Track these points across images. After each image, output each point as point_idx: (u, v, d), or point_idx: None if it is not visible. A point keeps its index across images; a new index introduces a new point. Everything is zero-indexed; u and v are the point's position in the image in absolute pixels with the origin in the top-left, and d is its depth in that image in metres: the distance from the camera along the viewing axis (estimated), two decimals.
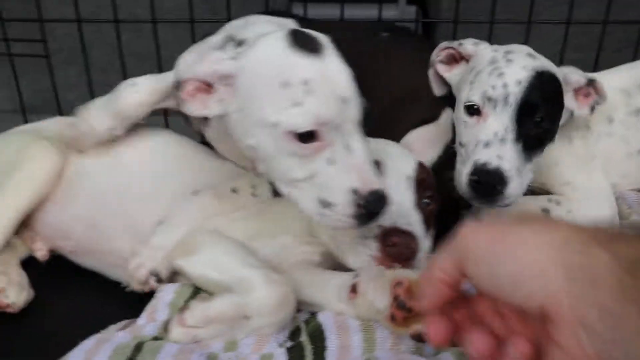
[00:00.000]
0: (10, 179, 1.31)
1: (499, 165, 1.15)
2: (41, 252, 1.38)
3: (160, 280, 1.21)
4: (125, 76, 1.77)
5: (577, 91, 1.32)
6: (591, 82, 1.32)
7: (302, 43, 1.00)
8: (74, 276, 1.36)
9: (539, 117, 1.21)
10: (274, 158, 1.02)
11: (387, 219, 1.07)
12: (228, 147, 1.30)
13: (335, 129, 0.98)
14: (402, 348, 1.00)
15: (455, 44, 1.34)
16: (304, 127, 0.97)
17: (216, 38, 1.13)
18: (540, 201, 1.39)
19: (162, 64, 1.81)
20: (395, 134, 1.36)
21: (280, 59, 1.00)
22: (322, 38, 1.04)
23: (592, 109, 1.33)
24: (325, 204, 0.98)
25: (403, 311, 0.95)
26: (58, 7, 1.86)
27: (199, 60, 1.05)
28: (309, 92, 0.97)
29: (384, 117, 1.32)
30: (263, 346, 1.02)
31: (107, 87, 1.85)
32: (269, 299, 1.03)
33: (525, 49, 1.29)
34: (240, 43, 1.06)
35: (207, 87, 1.04)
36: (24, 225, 1.37)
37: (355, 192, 0.97)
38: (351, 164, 0.98)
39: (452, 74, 1.35)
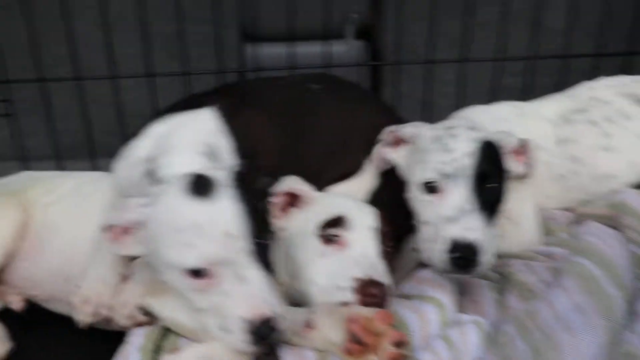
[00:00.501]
0: None
1: (475, 238, 1.25)
2: (16, 304, 1.45)
3: (146, 314, 1.29)
4: (87, 122, 1.87)
5: (513, 152, 1.45)
6: (523, 143, 1.45)
7: (198, 188, 1.13)
8: (51, 323, 1.44)
9: (494, 183, 1.33)
10: (181, 293, 1.15)
11: (360, 270, 1.20)
12: None
13: (226, 263, 1.09)
14: None
15: (396, 129, 1.46)
16: (194, 266, 1.09)
17: (138, 155, 1.34)
18: None
19: (121, 108, 1.91)
20: (322, 185, 1.47)
21: (176, 207, 1.13)
22: (219, 179, 1.16)
23: (528, 165, 1.46)
24: (225, 330, 1.09)
25: (358, 345, 1.07)
26: (20, 60, 1.94)
27: (120, 208, 1.19)
28: (199, 235, 1.09)
29: (318, 168, 1.45)
30: None
31: (68, 133, 1.96)
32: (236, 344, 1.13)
33: (464, 122, 1.42)
34: (156, 180, 1.24)
35: (127, 230, 1.19)
36: None
37: (246, 321, 1.07)
38: (244, 295, 1.09)
39: (397, 155, 1.47)
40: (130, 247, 1.20)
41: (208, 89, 1.64)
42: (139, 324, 1.29)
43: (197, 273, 1.10)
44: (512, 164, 1.44)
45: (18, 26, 1.89)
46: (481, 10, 2.08)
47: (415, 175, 1.39)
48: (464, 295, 1.36)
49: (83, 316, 1.31)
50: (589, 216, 1.53)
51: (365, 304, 1.16)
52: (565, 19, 2.02)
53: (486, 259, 1.27)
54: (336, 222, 1.27)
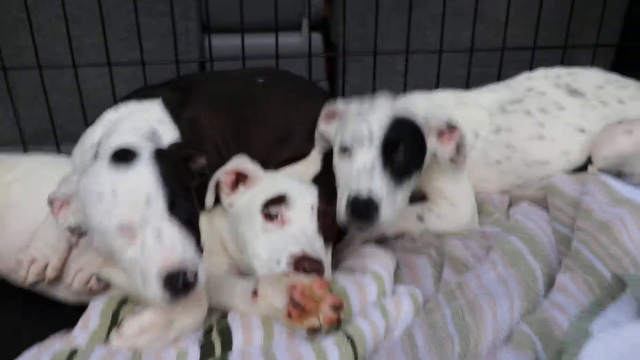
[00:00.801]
0: None
1: (373, 195, 1.37)
2: None
3: (99, 280, 1.40)
4: (50, 110, 1.95)
5: (441, 134, 1.56)
6: (451, 126, 1.56)
7: (120, 160, 1.22)
8: (15, 295, 1.52)
9: (401, 150, 1.44)
10: (107, 254, 1.25)
11: (296, 245, 1.31)
12: None
13: (144, 224, 1.17)
14: (296, 338, 1.22)
15: (331, 105, 1.59)
16: (114, 230, 1.18)
17: (91, 140, 1.48)
18: (416, 209, 1.65)
19: (83, 97, 2.00)
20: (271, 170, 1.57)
21: (98, 176, 1.22)
22: (142, 151, 1.25)
23: (459, 148, 1.56)
24: (145, 286, 1.16)
25: (298, 309, 1.18)
26: None
27: (63, 183, 1.30)
28: (116, 201, 1.18)
29: (263, 158, 1.54)
30: (179, 343, 1.23)
31: (33, 120, 2.03)
32: (187, 302, 1.23)
33: (389, 100, 1.54)
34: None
35: (66, 202, 1.28)
36: None
37: (160, 273, 1.14)
38: (158, 249, 1.16)
39: (328, 128, 1.60)
40: (69, 218, 1.28)
41: (162, 81, 1.73)
42: (94, 292, 1.40)
43: (115, 233, 1.19)
44: (436, 145, 1.56)
45: None
46: (433, 4, 2.19)
47: (336, 143, 1.51)
48: (403, 269, 1.48)
49: (28, 274, 1.41)
50: (523, 198, 1.66)
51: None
52: (507, 12, 2.14)
53: (385, 215, 1.38)
54: (278, 200, 1.39)
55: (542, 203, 1.60)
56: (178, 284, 1.14)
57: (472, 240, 1.54)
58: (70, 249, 1.45)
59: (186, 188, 1.27)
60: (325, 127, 1.61)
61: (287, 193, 1.40)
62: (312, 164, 1.65)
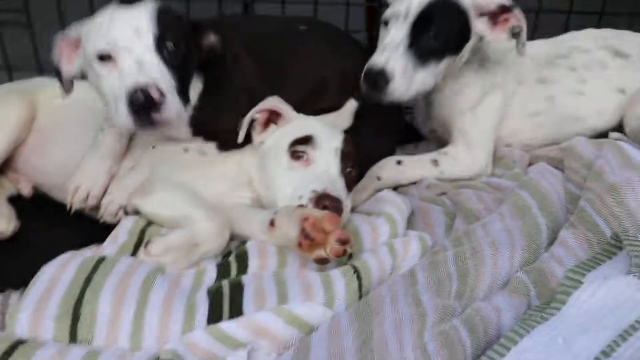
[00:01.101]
0: None
1: (385, 67, 1.48)
2: (26, 190, 1.69)
3: (126, 213, 1.52)
4: None
5: (493, 16, 1.59)
6: (506, 8, 1.57)
7: (123, 5, 1.36)
8: (54, 210, 1.64)
9: (433, 32, 1.51)
10: (95, 81, 1.37)
11: (319, 184, 1.41)
12: None
13: (129, 51, 1.30)
14: (307, 268, 1.32)
15: None
16: (102, 48, 1.31)
17: None
18: (431, 155, 1.73)
19: None
20: None
21: (103, 12, 1.36)
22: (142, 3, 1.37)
23: (513, 34, 1.59)
24: (117, 107, 1.29)
25: (308, 240, 1.27)
26: None
27: (72, 27, 1.43)
28: (110, 26, 1.32)
29: (296, 105, 1.60)
30: (199, 263, 1.34)
31: None
32: (211, 228, 1.35)
33: None
34: None
35: (75, 47, 1.41)
36: (10, 167, 1.68)
37: (126, 91, 1.26)
38: (131, 69, 1.29)
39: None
40: (73, 59, 1.42)
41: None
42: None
43: (103, 58, 1.31)
44: (484, 28, 1.59)
45: None
46: None
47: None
48: (418, 216, 1.56)
49: (74, 201, 1.53)
50: (542, 157, 1.71)
51: None
52: None
53: (396, 88, 1.49)
54: (305, 140, 1.47)
55: (559, 165, 1.65)
56: (140, 100, 1.24)
57: (486, 192, 1.60)
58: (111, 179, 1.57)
59: (185, 45, 1.37)
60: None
61: (314, 134, 1.48)
62: (343, 118, 1.71)
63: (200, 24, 1.45)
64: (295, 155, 1.47)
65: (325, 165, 1.47)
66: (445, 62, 1.57)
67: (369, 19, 2.54)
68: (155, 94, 1.25)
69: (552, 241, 1.37)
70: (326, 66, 1.69)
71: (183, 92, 1.36)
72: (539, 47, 1.83)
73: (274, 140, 1.54)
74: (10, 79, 2.14)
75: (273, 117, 1.56)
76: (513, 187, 1.56)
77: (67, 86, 1.48)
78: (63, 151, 1.64)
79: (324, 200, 1.38)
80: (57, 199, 1.66)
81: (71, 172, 1.56)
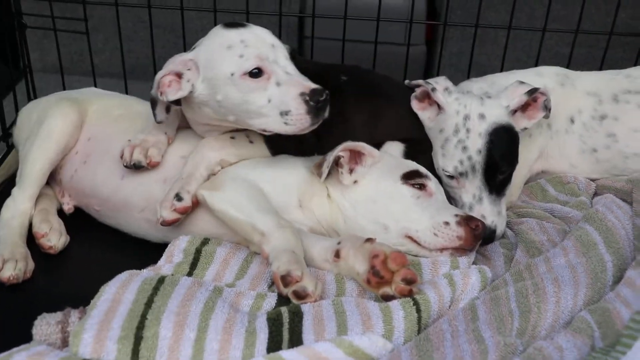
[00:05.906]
0: (37, 134, 1.69)
1: (496, 232, 1.62)
2: (68, 206, 1.77)
3: (180, 200, 1.54)
4: (151, 45, 2.15)
5: (524, 107, 1.69)
6: (532, 93, 1.67)
7: (234, 25, 1.55)
8: (96, 230, 1.73)
9: (502, 169, 1.62)
10: (239, 100, 1.49)
11: (452, 209, 1.54)
12: (201, 118, 1.63)
13: (274, 62, 1.49)
14: (366, 297, 1.39)
15: (429, 86, 1.70)
16: (251, 66, 1.47)
17: None
18: None
19: (185, 33, 2.17)
20: None
21: (221, 35, 1.54)
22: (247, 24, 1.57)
23: (546, 108, 1.69)
24: (285, 113, 1.46)
25: (377, 277, 1.34)
26: None
27: (166, 65, 1.54)
28: (247, 46, 1.49)
29: None
30: (257, 285, 1.43)
31: (131, 54, 2.23)
32: (281, 242, 1.41)
33: (476, 107, 1.65)
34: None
35: (177, 76, 1.52)
36: (55, 180, 1.76)
37: (302, 94, 1.45)
38: (292, 81, 1.48)
39: (423, 115, 1.74)
40: (182, 87, 1.52)
41: None
42: (180, 212, 1.54)
43: (254, 74, 1.47)
44: (523, 122, 1.71)
45: None
46: None
47: (437, 156, 1.70)
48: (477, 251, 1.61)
49: (129, 157, 1.61)
50: (608, 188, 1.75)
51: (474, 235, 1.50)
52: None
53: (500, 231, 1.64)
54: (417, 173, 1.59)
55: (627, 197, 1.69)
56: (321, 98, 1.45)
57: (550, 222, 1.66)
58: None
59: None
60: (418, 108, 1.75)
61: (418, 168, 1.61)
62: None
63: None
64: (416, 186, 1.57)
65: (441, 193, 1.61)
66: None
67: (428, 32, 2.60)
68: (325, 94, 1.45)
69: (618, 279, 1.41)
70: (374, 122, 1.74)
71: None
72: (603, 82, 1.86)
73: (375, 178, 1.60)
74: (63, 83, 2.25)
75: (356, 156, 1.61)
76: (578, 218, 1.61)
77: (161, 112, 1.58)
78: (110, 164, 1.68)
79: (472, 221, 1.51)
80: (98, 219, 1.74)
81: (116, 187, 1.65)
